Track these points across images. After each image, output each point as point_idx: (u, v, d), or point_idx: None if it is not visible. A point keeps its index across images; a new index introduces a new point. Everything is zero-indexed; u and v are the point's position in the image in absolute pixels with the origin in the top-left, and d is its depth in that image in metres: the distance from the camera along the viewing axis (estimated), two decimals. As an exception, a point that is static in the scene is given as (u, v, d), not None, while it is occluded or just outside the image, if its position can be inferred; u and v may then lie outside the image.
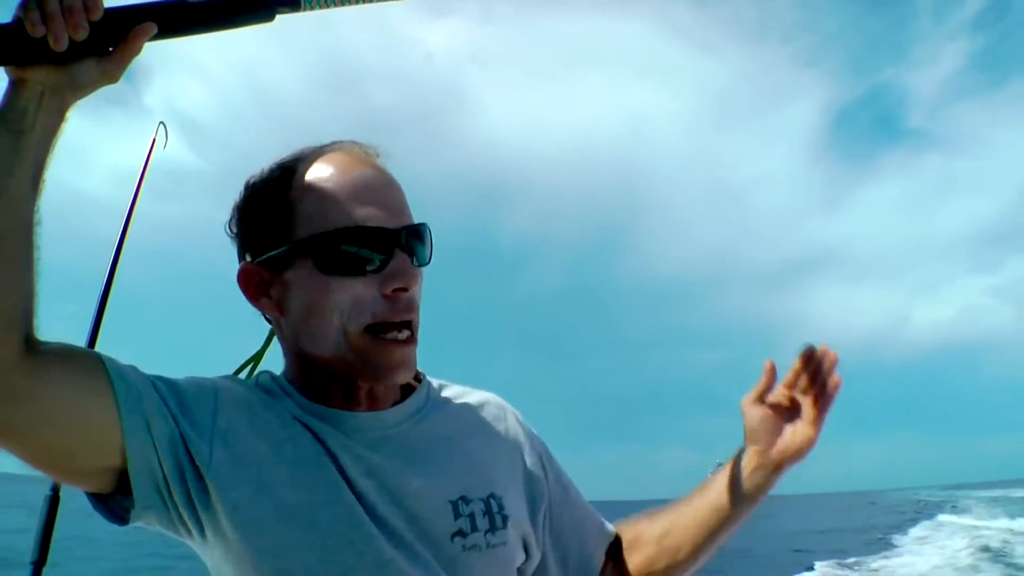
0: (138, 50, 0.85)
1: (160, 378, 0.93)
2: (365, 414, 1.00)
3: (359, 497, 0.93)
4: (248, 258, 1.01)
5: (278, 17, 0.90)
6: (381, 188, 0.97)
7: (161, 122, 2.55)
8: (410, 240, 0.96)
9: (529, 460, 1.11)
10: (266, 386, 1.02)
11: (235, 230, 1.04)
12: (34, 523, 2.10)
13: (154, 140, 2.52)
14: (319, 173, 0.97)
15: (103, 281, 2.32)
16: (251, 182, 1.02)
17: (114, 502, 0.90)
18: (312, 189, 0.96)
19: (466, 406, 1.11)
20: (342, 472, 0.94)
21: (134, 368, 0.92)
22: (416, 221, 0.99)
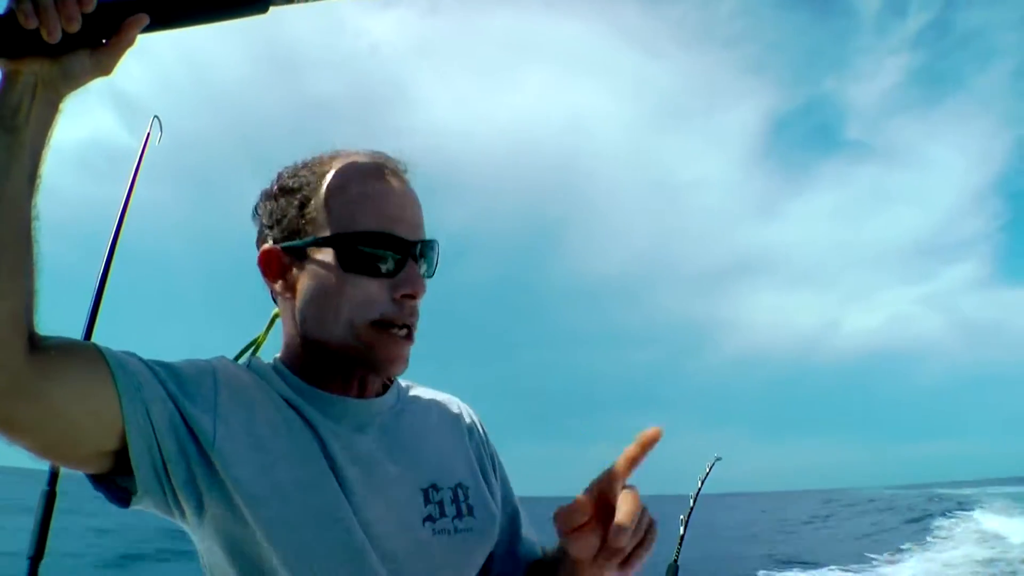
0: (131, 41, 0.85)
1: (159, 363, 0.96)
2: (354, 400, 1.07)
3: (344, 482, 0.99)
4: (271, 241, 1.06)
5: (272, 9, 0.90)
6: (405, 201, 1.05)
7: (155, 116, 2.52)
8: (423, 252, 1.05)
9: (485, 461, 1.20)
10: (259, 370, 1.07)
11: (260, 214, 1.10)
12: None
13: (148, 134, 2.52)
14: (354, 176, 1.04)
15: (98, 273, 2.34)
16: (285, 174, 1.08)
17: (114, 484, 0.93)
18: (345, 190, 1.03)
19: (433, 403, 1.21)
20: (329, 458, 1.00)
21: (132, 355, 0.94)
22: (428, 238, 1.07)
